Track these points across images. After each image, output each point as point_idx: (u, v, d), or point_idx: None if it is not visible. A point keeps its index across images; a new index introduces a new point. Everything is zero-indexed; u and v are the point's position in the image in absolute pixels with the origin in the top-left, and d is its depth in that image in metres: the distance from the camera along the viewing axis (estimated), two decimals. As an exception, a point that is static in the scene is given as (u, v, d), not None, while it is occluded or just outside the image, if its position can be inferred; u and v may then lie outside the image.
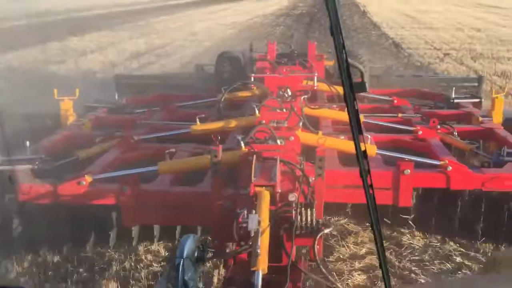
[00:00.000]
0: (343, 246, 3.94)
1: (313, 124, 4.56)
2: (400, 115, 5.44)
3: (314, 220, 2.72)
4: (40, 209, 3.68)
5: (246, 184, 2.85)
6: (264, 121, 3.95)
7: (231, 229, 2.64)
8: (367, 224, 4.14)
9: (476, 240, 3.91)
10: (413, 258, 3.79)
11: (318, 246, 2.72)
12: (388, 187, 3.74)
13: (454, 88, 6.20)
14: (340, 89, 5.54)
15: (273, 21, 23.36)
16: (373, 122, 5.10)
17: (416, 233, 4.07)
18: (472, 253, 3.83)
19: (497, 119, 5.32)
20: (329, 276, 2.66)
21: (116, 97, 6.10)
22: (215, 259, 3.24)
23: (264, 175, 2.91)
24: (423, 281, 3.50)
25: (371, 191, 1.28)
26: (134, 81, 7.33)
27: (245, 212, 2.58)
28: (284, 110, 4.35)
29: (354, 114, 1.25)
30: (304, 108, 4.71)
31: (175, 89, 6.58)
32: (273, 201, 2.81)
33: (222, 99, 5.10)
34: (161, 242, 3.92)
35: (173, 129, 4.79)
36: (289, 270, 2.54)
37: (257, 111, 4.27)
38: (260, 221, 2.51)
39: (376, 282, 3.48)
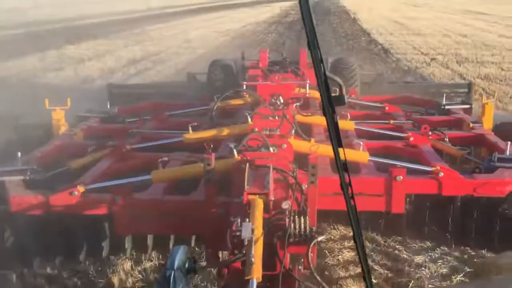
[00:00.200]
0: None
1: (306, 131, 4.58)
2: (391, 121, 5.48)
3: (307, 228, 2.72)
4: (32, 220, 3.65)
5: (239, 192, 2.86)
6: (256, 129, 3.95)
7: (224, 237, 2.63)
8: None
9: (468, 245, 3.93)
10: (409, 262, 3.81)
11: (312, 254, 2.73)
12: (380, 194, 3.76)
13: (445, 95, 6.26)
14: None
15: (265, 28, 23.74)
16: (364, 129, 5.13)
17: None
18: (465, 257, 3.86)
19: (487, 125, 5.37)
20: (324, 284, 2.66)
21: (108, 106, 6.09)
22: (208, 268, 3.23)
23: (257, 183, 2.91)
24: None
25: (352, 202, 1.29)
26: (126, 91, 7.32)
27: (239, 220, 2.58)
28: (277, 117, 4.37)
29: (333, 127, 1.26)
30: (297, 116, 4.73)
31: (168, 97, 6.59)
32: (266, 209, 2.81)
33: (215, 107, 5.11)
34: (154, 251, 3.90)
35: (165, 138, 4.78)
36: (283, 278, 2.54)
37: (249, 119, 4.28)
38: (253, 229, 2.51)
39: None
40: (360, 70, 7.51)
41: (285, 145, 3.71)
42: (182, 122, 5.25)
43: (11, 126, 5.50)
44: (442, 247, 3.98)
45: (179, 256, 2.19)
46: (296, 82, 5.81)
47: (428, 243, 4.05)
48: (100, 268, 3.74)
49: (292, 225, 2.71)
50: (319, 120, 5.13)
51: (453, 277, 3.61)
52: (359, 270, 3.65)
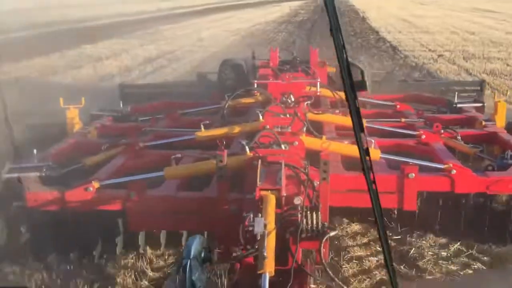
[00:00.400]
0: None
1: (317, 129, 4.59)
2: (403, 120, 5.47)
3: (319, 223, 2.74)
4: (47, 215, 3.72)
5: (252, 188, 2.88)
6: (268, 126, 3.98)
7: (237, 233, 2.66)
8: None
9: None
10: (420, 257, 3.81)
11: (324, 249, 2.75)
12: (392, 191, 3.76)
13: (456, 93, 6.23)
14: (342, 95, 5.57)
15: (275, 28, 23.96)
16: (376, 127, 5.13)
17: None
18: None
19: (500, 123, 5.34)
20: (336, 279, 2.68)
21: (121, 105, 6.15)
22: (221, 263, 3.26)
23: (269, 179, 2.94)
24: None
25: (374, 187, 1.31)
26: (138, 90, 7.39)
27: (251, 215, 2.61)
28: (288, 115, 4.39)
29: (356, 113, 1.28)
30: (308, 114, 4.74)
31: (179, 97, 6.64)
32: (278, 205, 2.84)
33: (226, 106, 5.15)
34: (167, 247, 3.94)
35: (177, 136, 4.83)
36: (295, 273, 2.56)
37: (261, 117, 4.31)
38: (266, 224, 2.54)
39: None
40: (370, 68, 7.49)
41: (296, 142, 3.73)
42: (194, 121, 5.29)
43: (32, 124, 5.63)
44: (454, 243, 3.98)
45: (195, 246, 2.23)
46: (306, 81, 5.82)
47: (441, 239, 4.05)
48: (113, 263, 3.79)
49: (304, 220, 2.73)
50: (330, 118, 5.14)
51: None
52: (369, 264, 3.67)
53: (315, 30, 22.04)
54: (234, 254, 2.97)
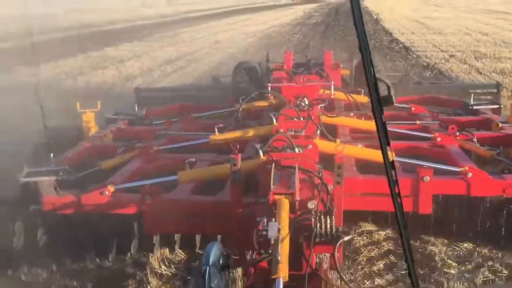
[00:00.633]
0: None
1: (331, 132, 4.57)
2: (418, 122, 5.42)
3: (333, 228, 2.73)
4: (64, 219, 3.77)
5: (265, 192, 2.89)
6: (282, 130, 3.98)
7: (251, 237, 2.66)
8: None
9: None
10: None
11: (338, 254, 2.73)
12: (407, 194, 3.73)
13: (472, 95, 6.16)
14: (357, 98, 5.55)
15: (290, 30, 24.24)
16: (391, 129, 5.08)
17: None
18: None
19: (517, 125, 5.26)
20: (350, 285, 2.66)
21: (136, 109, 6.21)
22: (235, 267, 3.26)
23: (283, 183, 2.94)
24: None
25: (399, 200, 1.30)
26: (153, 94, 7.46)
27: (265, 220, 2.61)
28: (302, 119, 4.38)
29: (382, 127, 1.28)
30: (322, 117, 4.73)
31: (194, 100, 6.68)
32: (292, 209, 2.83)
33: (240, 109, 5.16)
34: (182, 250, 3.96)
35: (192, 140, 4.85)
36: (309, 278, 2.55)
37: (274, 120, 4.31)
38: (279, 229, 2.54)
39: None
40: (384, 71, 7.44)
41: (310, 146, 3.72)
42: (208, 124, 5.32)
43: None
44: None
45: (214, 252, 2.22)
46: (320, 84, 5.81)
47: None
48: (128, 267, 3.82)
49: (318, 225, 2.72)
50: (345, 121, 5.12)
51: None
52: (382, 268, 3.65)
53: (329, 32, 22.15)
54: (248, 259, 2.98)
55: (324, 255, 2.86)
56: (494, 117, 5.60)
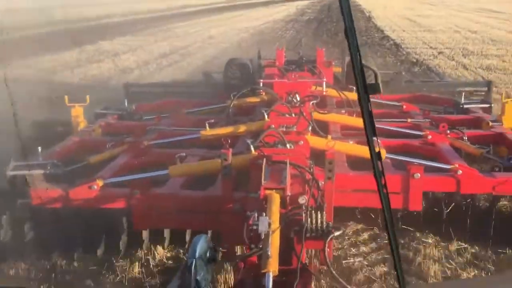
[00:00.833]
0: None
1: (322, 129, 4.57)
2: (409, 120, 5.43)
3: (324, 223, 2.72)
4: (51, 213, 3.72)
5: (256, 187, 2.87)
6: (273, 126, 3.96)
7: (241, 231, 2.65)
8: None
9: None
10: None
11: (328, 249, 2.73)
12: (398, 191, 3.73)
13: (463, 94, 6.19)
14: (348, 95, 5.55)
15: (283, 26, 24.41)
16: (382, 127, 5.09)
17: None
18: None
19: (508, 124, 5.29)
20: (340, 279, 2.66)
21: (126, 104, 6.15)
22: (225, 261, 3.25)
23: (274, 178, 2.92)
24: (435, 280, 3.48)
25: (384, 191, 1.28)
26: (143, 89, 7.39)
27: (256, 214, 2.60)
28: (293, 115, 4.37)
29: (368, 115, 1.26)
30: (313, 113, 4.72)
31: (184, 96, 6.63)
32: (283, 204, 2.82)
33: (232, 105, 5.13)
34: (172, 245, 3.93)
35: (182, 135, 4.82)
36: (300, 272, 2.54)
37: (266, 116, 4.29)
38: (270, 223, 2.52)
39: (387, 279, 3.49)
40: (377, 69, 7.44)
41: (301, 142, 3.71)
42: (199, 120, 5.28)
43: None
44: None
45: (200, 245, 2.20)
46: (312, 81, 5.80)
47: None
48: (117, 261, 3.79)
49: (309, 220, 2.71)
50: (336, 118, 5.12)
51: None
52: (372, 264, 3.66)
53: (321, 29, 22.27)
54: (238, 253, 2.96)
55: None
56: (485, 115, 5.62)
